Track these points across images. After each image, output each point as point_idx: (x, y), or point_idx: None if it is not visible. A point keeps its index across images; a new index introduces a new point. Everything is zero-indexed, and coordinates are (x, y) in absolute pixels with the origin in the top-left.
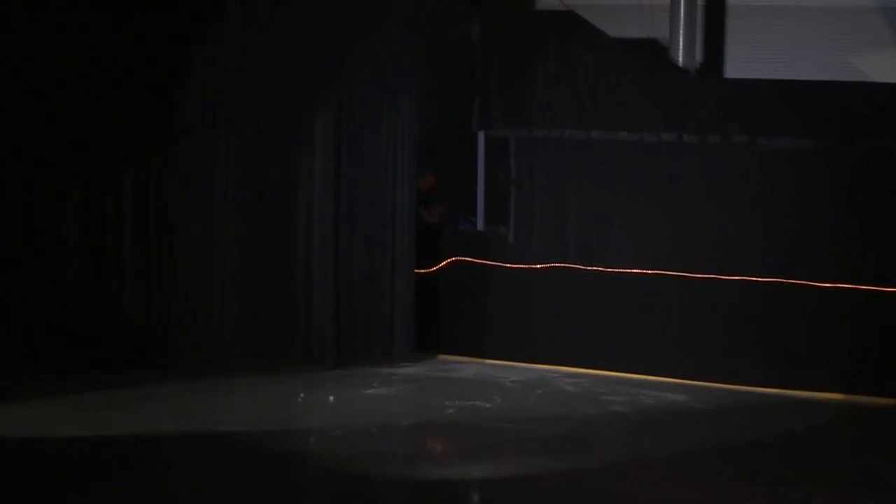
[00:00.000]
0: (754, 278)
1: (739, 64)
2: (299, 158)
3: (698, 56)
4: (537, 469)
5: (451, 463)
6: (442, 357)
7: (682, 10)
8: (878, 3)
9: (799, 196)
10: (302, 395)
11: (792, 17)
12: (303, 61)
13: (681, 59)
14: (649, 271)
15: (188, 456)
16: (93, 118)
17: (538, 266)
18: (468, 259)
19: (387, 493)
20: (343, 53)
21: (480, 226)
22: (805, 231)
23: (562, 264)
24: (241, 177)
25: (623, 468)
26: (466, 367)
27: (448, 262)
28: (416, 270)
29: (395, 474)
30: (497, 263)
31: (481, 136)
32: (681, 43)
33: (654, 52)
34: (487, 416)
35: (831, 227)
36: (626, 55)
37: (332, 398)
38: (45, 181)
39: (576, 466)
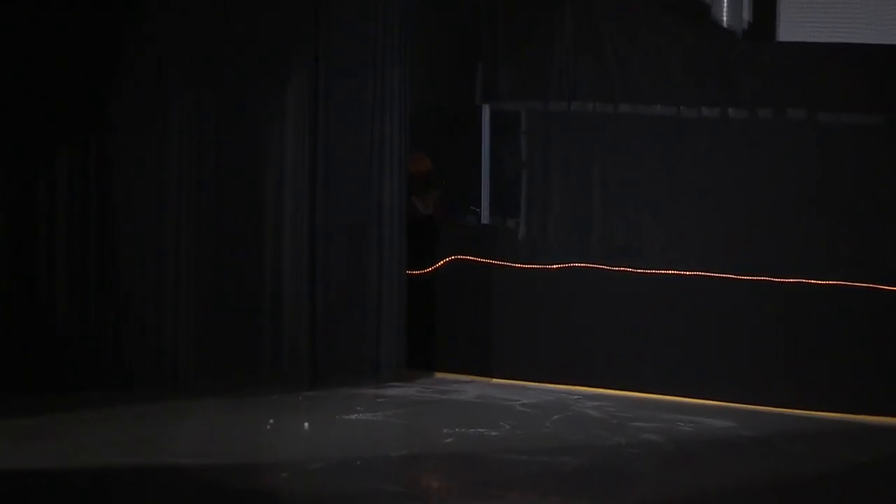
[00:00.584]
0: (813, 281)
1: (794, 25)
2: (266, 137)
3: (746, 15)
4: None
5: (449, 501)
6: (439, 375)
7: None
8: None
9: (867, 182)
10: (271, 421)
11: None
12: (270, 17)
13: (725, 18)
14: (687, 272)
15: (134, 494)
16: (13, 97)
17: (554, 266)
18: (470, 258)
19: None
20: (320, 8)
21: (485, 218)
22: (875, 224)
23: (582, 264)
24: (196, 161)
25: None
26: (468, 387)
27: (446, 262)
28: (408, 272)
29: None
30: (505, 263)
31: (486, 110)
32: (725, 0)
33: (693, 10)
34: (494, 447)
35: None
36: (661, 14)
37: (306, 425)
38: None
39: None
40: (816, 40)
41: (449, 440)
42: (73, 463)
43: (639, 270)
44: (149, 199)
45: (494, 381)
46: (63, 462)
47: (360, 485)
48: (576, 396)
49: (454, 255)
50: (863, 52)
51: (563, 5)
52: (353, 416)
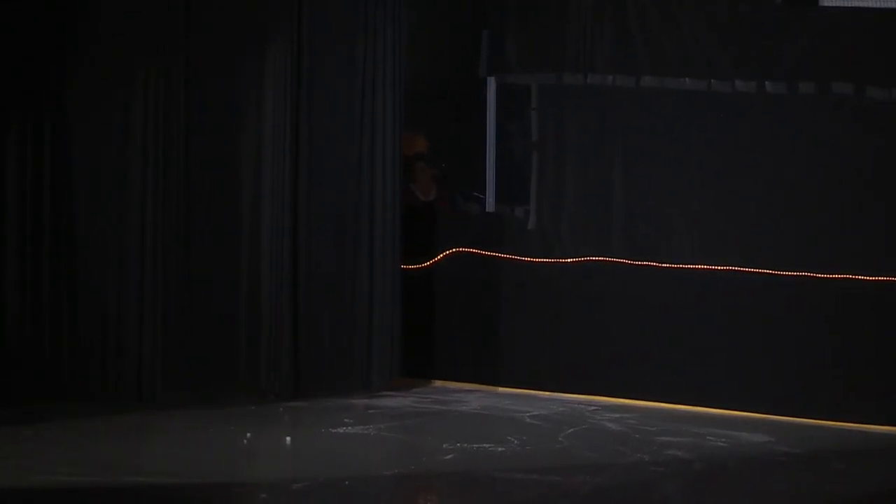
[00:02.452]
0: (865, 277)
1: None
2: (241, 113)
3: None
4: None
5: None
6: (438, 384)
7: None
8: None
9: None
10: (248, 436)
11: None
12: None
13: None
14: (720, 267)
15: None
16: None
17: (569, 260)
18: (474, 251)
19: None
20: None
21: (491, 206)
22: None
23: (601, 258)
24: (163, 141)
25: None
26: (471, 397)
27: (447, 256)
28: (404, 266)
29: None
30: (513, 257)
31: (492, 83)
32: None
33: None
34: (500, 464)
35: None
36: None
37: (288, 440)
38: None
39: None
40: (864, 5)
41: (449, 457)
42: (26, 483)
43: (665, 265)
44: (110, 188)
45: (501, 390)
46: (15, 482)
47: None
48: (593, 407)
49: (455, 248)
50: None
51: None
52: (341, 430)
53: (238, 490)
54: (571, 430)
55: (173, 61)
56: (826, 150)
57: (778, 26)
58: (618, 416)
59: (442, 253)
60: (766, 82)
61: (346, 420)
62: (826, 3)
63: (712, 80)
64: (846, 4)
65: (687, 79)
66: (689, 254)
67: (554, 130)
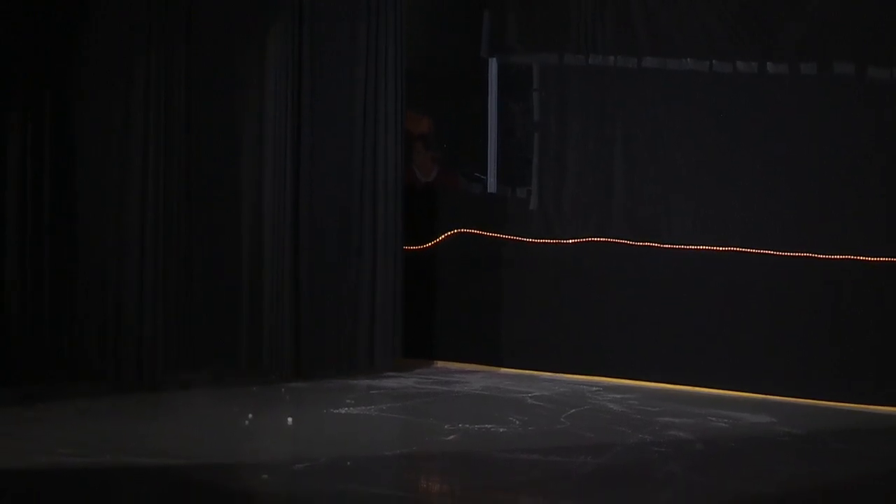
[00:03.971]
0: (866, 258)
1: None
2: (245, 96)
3: None
4: None
5: None
6: (440, 364)
7: None
8: None
9: None
10: (250, 416)
11: None
12: None
13: None
14: (721, 248)
15: (97, 497)
16: None
17: (570, 241)
18: (476, 231)
19: None
20: None
21: (492, 187)
22: None
23: (603, 238)
24: (165, 123)
25: None
26: (474, 377)
27: (449, 236)
28: (406, 247)
29: None
30: (515, 237)
31: (493, 63)
32: None
33: None
34: (502, 445)
35: None
36: None
37: (290, 420)
38: None
39: None
40: None
41: (451, 437)
42: (27, 463)
43: (666, 246)
44: (111, 168)
45: (502, 370)
46: (17, 462)
47: (349, 488)
48: (594, 388)
49: (457, 229)
50: None
51: None
52: (343, 411)
53: (239, 470)
54: (573, 410)
55: (174, 49)
56: (828, 130)
57: (779, 6)
58: (619, 396)
59: (444, 234)
60: (768, 63)
61: (347, 401)
62: None
63: (713, 61)
64: None
65: (688, 59)
66: (691, 234)
67: (555, 111)
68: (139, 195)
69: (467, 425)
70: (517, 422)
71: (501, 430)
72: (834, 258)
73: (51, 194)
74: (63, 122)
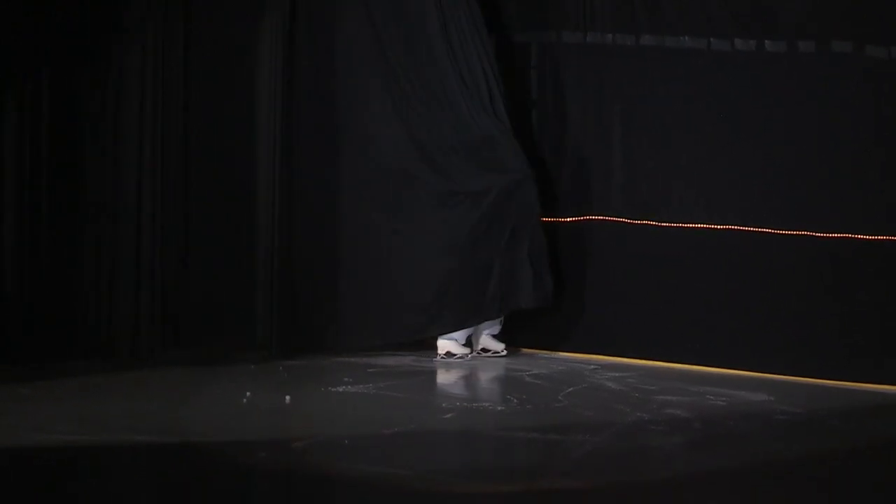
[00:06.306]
0: (866, 236)
1: None
2: (235, 70)
3: None
4: (567, 495)
5: (450, 485)
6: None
7: None
8: None
9: None
10: (247, 394)
11: None
12: None
13: None
14: (720, 226)
15: (89, 475)
16: None
17: (567, 219)
18: None
19: None
20: None
21: None
22: None
23: (600, 217)
24: (162, 87)
25: (683, 494)
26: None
27: None
28: None
29: (374, 502)
30: None
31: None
32: None
33: None
34: (499, 423)
35: None
36: None
37: (287, 398)
38: None
39: (619, 491)
40: None
41: (448, 415)
42: (24, 441)
43: (664, 224)
44: (106, 140)
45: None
46: (13, 440)
47: (346, 465)
48: (592, 366)
49: None
50: None
51: None
52: (341, 389)
53: (235, 448)
54: (571, 389)
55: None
56: (827, 108)
57: None
58: (617, 375)
59: None
60: (766, 41)
61: (345, 379)
62: None
63: (712, 39)
64: None
65: (686, 38)
66: (689, 212)
67: (553, 89)
68: (135, 168)
69: (465, 404)
70: (515, 400)
71: (499, 408)
72: (834, 236)
73: (47, 167)
74: (60, 85)
